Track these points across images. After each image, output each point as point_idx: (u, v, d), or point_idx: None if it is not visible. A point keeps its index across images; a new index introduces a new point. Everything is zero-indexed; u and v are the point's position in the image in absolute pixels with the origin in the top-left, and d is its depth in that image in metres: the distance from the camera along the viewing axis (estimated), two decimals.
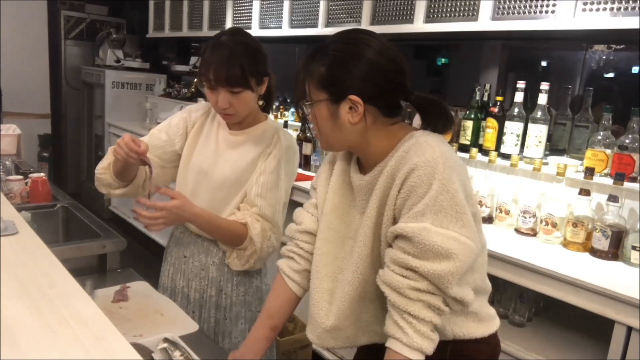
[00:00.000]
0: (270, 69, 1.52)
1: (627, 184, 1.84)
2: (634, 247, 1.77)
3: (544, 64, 3.70)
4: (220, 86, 1.39)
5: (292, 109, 3.52)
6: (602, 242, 1.82)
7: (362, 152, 1.13)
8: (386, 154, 1.08)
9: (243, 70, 1.38)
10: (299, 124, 3.22)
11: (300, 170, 3.04)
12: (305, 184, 2.67)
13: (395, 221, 1.05)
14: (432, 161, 0.98)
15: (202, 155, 1.55)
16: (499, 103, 2.31)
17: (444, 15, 2.35)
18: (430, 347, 0.98)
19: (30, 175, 2.18)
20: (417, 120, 1.15)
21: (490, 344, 1.17)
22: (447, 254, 0.95)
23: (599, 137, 1.97)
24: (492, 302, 1.32)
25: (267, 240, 1.46)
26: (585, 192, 1.89)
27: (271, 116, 1.65)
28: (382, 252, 1.08)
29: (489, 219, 2.22)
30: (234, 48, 1.39)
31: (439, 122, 1.09)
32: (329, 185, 1.21)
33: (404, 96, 1.08)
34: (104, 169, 1.50)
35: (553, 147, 2.22)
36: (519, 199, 2.16)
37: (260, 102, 1.53)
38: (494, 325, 1.18)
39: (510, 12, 2.10)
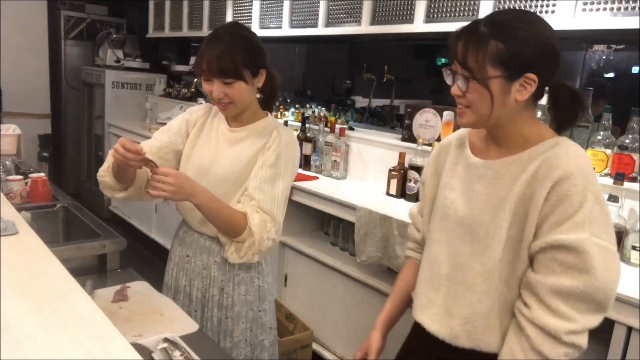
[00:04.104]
0: (275, 67, 1.56)
1: (627, 184, 1.84)
2: (634, 247, 1.76)
3: None
4: (214, 77, 1.42)
5: (292, 109, 3.52)
6: None
7: (502, 132, 1.11)
8: (525, 144, 1.09)
9: (235, 62, 1.40)
10: (299, 124, 3.22)
11: (300, 170, 3.04)
12: (305, 184, 2.68)
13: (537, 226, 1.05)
14: (585, 172, 1.01)
15: (202, 152, 1.56)
16: None
17: (443, 15, 2.35)
18: None
19: (30, 175, 2.18)
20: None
21: None
22: (609, 265, 1.00)
23: (599, 137, 1.97)
24: None
25: (267, 232, 1.44)
26: None
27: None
28: (520, 248, 1.07)
29: None
30: (229, 40, 1.42)
31: (569, 110, 1.10)
32: (445, 171, 1.23)
33: (556, 74, 1.08)
34: (104, 172, 1.51)
35: None
36: None
37: (258, 95, 1.53)
38: None
39: None
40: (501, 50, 1.01)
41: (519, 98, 1.04)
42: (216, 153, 1.54)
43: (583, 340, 1.03)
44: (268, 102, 1.61)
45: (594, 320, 1.03)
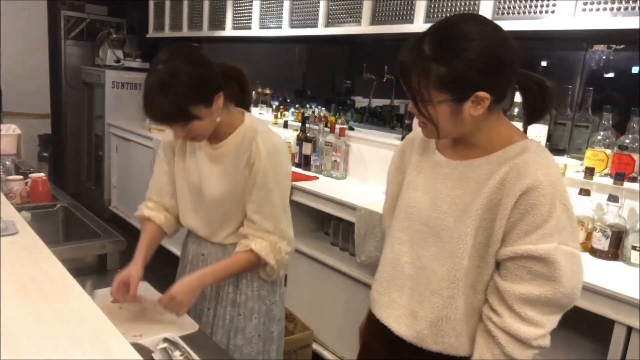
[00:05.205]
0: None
1: (627, 184, 1.84)
2: (634, 247, 1.77)
3: (544, 64, 3.70)
4: (166, 125, 1.38)
5: (292, 109, 3.52)
6: (602, 242, 1.82)
7: (467, 138, 1.09)
8: (492, 147, 1.07)
9: (181, 107, 1.29)
10: (299, 124, 3.22)
11: (300, 170, 3.04)
12: (305, 184, 2.68)
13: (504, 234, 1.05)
14: (554, 181, 1.00)
15: (191, 172, 1.54)
16: None
17: (443, 15, 2.35)
18: None
19: (30, 175, 2.18)
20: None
21: None
22: (574, 270, 1.02)
23: (599, 137, 1.97)
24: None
25: (279, 253, 1.47)
26: (585, 192, 1.89)
27: (250, 115, 1.53)
28: (487, 254, 1.07)
29: None
30: (168, 82, 1.29)
31: (537, 101, 1.07)
32: (410, 168, 1.21)
33: (514, 77, 1.05)
34: None
35: (553, 147, 2.22)
36: None
37: (218, 119, 1.41)
38: None
39: (510, 12, 2.10)
40: (444, 75, 0.97)
41: (473, 113, 1.01)
42: (202, 172, 1.52)
43: (548, 341, 1.06)
44: (243, 101, 1.53)
45: (557, 320, 1.06)
